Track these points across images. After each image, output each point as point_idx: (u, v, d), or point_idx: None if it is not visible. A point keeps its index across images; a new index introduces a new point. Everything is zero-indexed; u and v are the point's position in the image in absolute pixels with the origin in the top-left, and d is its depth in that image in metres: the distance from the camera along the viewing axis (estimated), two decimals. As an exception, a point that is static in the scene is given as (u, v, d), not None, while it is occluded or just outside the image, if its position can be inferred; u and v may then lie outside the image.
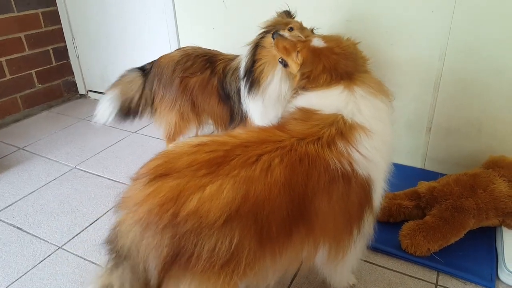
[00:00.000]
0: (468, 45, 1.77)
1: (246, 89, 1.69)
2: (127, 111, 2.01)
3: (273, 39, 1.44)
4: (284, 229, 0.96)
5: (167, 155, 1.00)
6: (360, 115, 1.12)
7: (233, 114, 1.86)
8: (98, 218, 1.87)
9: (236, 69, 1.79)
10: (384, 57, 1.96)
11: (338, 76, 1.19)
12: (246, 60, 1.70)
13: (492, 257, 1.53)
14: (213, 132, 2.30)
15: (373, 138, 1.10)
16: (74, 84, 3.33)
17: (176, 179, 0.91)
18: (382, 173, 1.15)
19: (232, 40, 2.20)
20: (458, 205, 1.54)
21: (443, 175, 1.77)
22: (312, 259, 1.12)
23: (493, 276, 1.45)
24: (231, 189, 0.89)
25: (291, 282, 1.48)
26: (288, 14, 1.76)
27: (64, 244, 1.71)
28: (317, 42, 1.27)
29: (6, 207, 1.98)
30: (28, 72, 2.97)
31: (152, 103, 2.01)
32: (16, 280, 1.54)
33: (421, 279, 1.48)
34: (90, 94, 3.34)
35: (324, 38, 1.31)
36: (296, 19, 1.76)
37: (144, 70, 2.05)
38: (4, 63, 2.79)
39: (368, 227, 1.18)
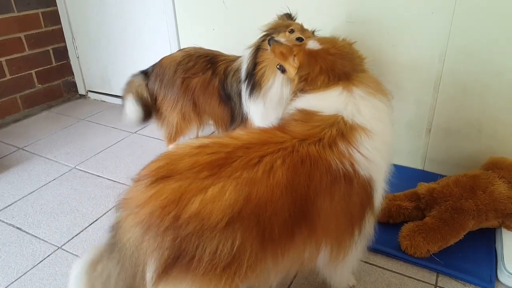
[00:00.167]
0: (468, 47, 1.78)
1: (248, 92, 1.70)
2: (147, 111, 2.04)
3: (269, 45, 1.45)
4: (286, 231, 0.96)
5: (168, 156, 1.00)
6: (360, 116, 1.12)
7: (234, 115, 1.86)
8: (98, 219, 1.87)
9: (237, 70, 1.79)
10: (385, 58, 1.96)
11: (336, 77, 1.19)
12: (247, 63, 1.70)
13: (492, 258, 1.53)
14: (213, 132, 2.30)
15: (374, 139, 1.10)
16: (74, 84, 3.32)
17: (178, 181, 0.91)
18: (383, 173, 1.16)
19: (232, 40, 2.21)
20: (457, 207, 1.55)
21: (443, 176, 1.77)
22: (314, 260, 1.13)
23: (493, 277, 1.45)
24: (233, 191, 0.89)
25: (291, 283, 1.48)
26: (289, 16, 1.76)
27: (64, 244, 1.71)
28: (312, 45, 1.28)
29: (6, 207, 1.98)
30: (28, 72, 2.96)
31: (154, 103, 2.02)
32: (15, 280, 1.54)
33: (420, 280, 1.48)
34: (90, 94, 3.33)
35: (319, 40, 1.31)
36: (297, 21, 1.76)
37: (147, 73, 2.06)
38: (4, 63, 2.79)
39: (369, 227, 1.18)
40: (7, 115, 2.88)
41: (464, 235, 1.56)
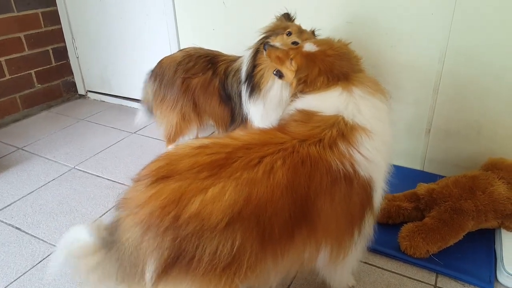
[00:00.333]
0: (468, 48, 1.78)
1: (247, 93, 1.70)
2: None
3: (265, 50, 1.45)
4: (286, 231, 0.96)
5: (168, 157, 1.00)
6: (361, 116, 1.13)
7: (234, 115, 1.86)
8: (97, 219, 1.87)
9: (238, 70, 1.80)
10: (384, 59, 1.96)
11: (335, 78, 1.20)
12: (247, 65, 1.71)
13: (491, 259, 1.54)
14: (213, 133, 2.30)
15: (374, 139, 1.11)
16: (73, 85, 3.32)
17: (177, 181, 0.91)
18: (383, 173, 1.16)
19: (232, 40, 2.21)
20: (457, 207, 1.55)
21: (442, 177, 1.78)
22: (314, 261, 1.13)
23: (492, 278, 1.46)
24: (233, 191, 0.90)
25: (291, 283, 1.48)
26: (287, 17, 1.76)
27: (64, 245, 1.71)
28: (309, 47, 1.28)
29: (5, 207, 1.97)
30: (28, 72, 2.96)
31: (153, 103, 2.02)
32: (14, 280, 1.54)
33: (420, 281, 1.48)
34: (89, 94, 3.33)
35: (315, 42, 1.32)
36: (296, 21, 1.76)
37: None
38: (3, 63, 2.78)
39: (368, 228, 1.18)
40: (6, 115, 2.88)
41: (463, 236, 1.56)
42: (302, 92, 1.23)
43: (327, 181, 1.00)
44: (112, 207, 1.87)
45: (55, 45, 3.11)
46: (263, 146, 1.01)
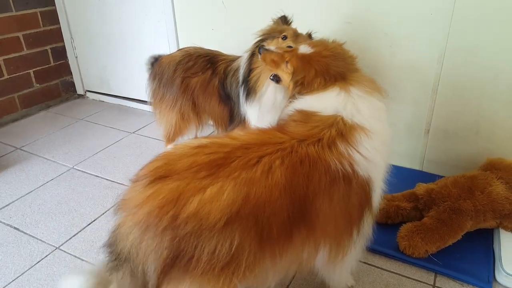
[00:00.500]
0: (467, 49, 1.78)
1: (244, 96, 1.72)
2: None
3: (260, 54, 1.45)
4: (285, 231, 0.96)
5: (167, 156, 1.00)
6: (360, 115, 1.13)
7: (233, 115, 1.86)
8: (96, 219, 1.86)
9: (237, 70, 1.80)
10: (383, 59, 1.97)
11: (331, 78, 1.20)
12: (244, 68, 1.72)
13: (490, 259, 1.54)
14: (212, 133, 2.30)
15: (373, 138, 1.11)
16: (72, 84, 3.32)
17: (176, 181, 0.91)
18: (381, 173, 1.16)
19: (231, 40, 2.21)
20: (456, 207, 1.55)
21: (441, 177, 1.78)
22: (313, 261, 1.13)
23: (490, 277, 1.46)
24: (232, 191, 0.89)
25: (290, 283, 1.48)
26: (284, 19, 1.76)
27: (62, 245, 1.71)
28: (304, 49, 1.29)
29: (4, 207, 1.97)
30: (26, 71, 2.96)
31: (153, 102, 2.02)
32: (13, 281, 1.53)
33: (418, 281, 1.48)
34: (88, 94, 3.33)
35: (310, 43, 1.32)
36: (293, 24, 1.77)
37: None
38: (2, 63, 2.78)
39: (367, 227, 1.18)
40: (5, 115, 2.87)
41: (462, 236, 1.56)
42: (300, 93, 1.23)
43: (325, 181, 1.00)
44: (111, 208, 1.87)
45: (54, 45, 3.10)
46: (261, 146, 1.01)
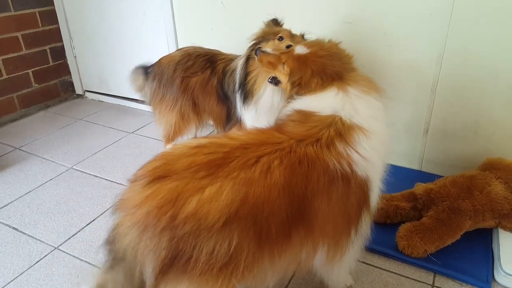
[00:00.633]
0: (465, 49, 1.78)
1: (241, 100, 1.72)
2: None
3: (256, 55, 1.45)
4: (283, 231, 0.96)
5: (165, 156, 1.00)
6: (358, 115, 1.13)
7: (230, 114, 1.86)
8: (95, 219, 1.86)
9: (235, 69, 1.80)
10: (382, 59, 1.97)
11: (329, 78, 1.20)
12: (240, 72, 1.72)
13: (488, 258, 1.54)
14: (211, 132, 2.30)
15: (371, 138, 1.11)
16: (71, 84, 3.31)
17: (174, 181, 0.91)
18: (380, 173, 1.16)
19: (230, 40, 2.20)
20: (454, 207, 1.55)
21: (440, 176, 1.78)
22: (311, 260, 1.13)
23: (489, 277, 1.46)
24: (230, 191, 0.89)
25: (288, 283, 1.48)
26: (275, 22, 1.76)
27: (61, 245, 1.70)
28: (300, 50, 1.29)
29: (2, 207, 1.97)
30: (25, 71, 2.95)
31: (152, 102, 2.02)
32: (11, 281, 1.53)
33: (417, 280, 1.48)
34: (87, 94, 3.32)
35: (306, 44, 1.32)
36: (284, 25, 1.77)
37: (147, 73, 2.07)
38: (0, 63, 2.77)
39: (365, 227, 1.18)
40: (3, 115, 2.87)
41: (461, 235, 1.56)
42: (298, 94, 1.23)
43: (324, 181, 1.00)
44: (110, 208, 1.86)
45: (53, 45, 3.10)
46: (260, 145, 1.01)
